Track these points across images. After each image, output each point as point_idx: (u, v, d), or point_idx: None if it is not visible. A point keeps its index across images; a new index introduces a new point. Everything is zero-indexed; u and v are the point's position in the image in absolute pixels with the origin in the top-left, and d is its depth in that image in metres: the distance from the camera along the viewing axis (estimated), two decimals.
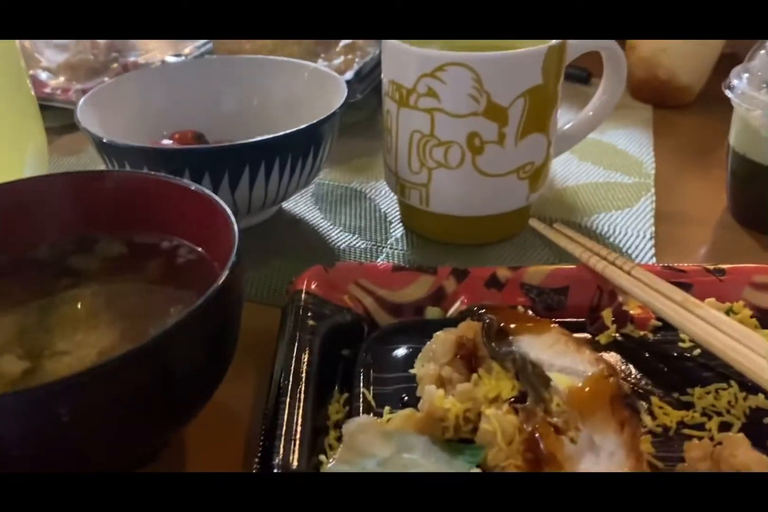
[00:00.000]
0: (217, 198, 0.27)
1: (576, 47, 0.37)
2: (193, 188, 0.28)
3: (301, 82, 0.44)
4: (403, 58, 0.35)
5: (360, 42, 0.59)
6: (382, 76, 0.37)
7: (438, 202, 0.37)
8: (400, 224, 0.42)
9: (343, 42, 0.59)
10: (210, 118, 0.45)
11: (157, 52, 0.64)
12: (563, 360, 0.23)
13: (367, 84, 0.55)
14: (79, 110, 0.38)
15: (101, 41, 0.60)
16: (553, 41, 0.34)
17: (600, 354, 0.23)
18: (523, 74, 0.34)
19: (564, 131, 0.41)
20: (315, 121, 0.36)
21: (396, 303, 0.32)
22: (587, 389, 0.21)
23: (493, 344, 0.24)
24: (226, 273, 0.22)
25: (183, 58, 0.58)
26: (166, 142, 0.41)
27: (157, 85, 0.44)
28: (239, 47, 0.57)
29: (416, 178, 0.37)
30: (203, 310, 0.21)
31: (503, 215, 0.38)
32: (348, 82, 0.45)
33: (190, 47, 0.60)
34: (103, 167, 0.49)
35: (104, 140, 0.35)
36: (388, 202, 0.44)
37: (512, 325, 0.24)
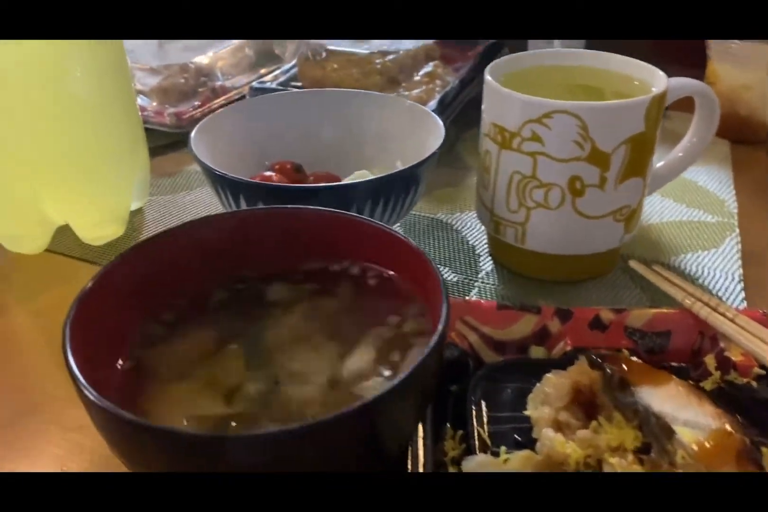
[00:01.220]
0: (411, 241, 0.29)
1: (672, 93, 0.38)
2: (386, 230, 0.30)
3: (398, 116, 0.45)
4: (508, 103, 0.36)
5: (439, 71, 0.61)
6: (483, 116, 0.39)
7: (534, 240, 0.38)
8: (489, 257, 0.43)
9: (423, 70, 0.61)
10: (307, 148, 0.47)
11: (242, 76, 0.67)
12: (686, 413, 0.24)
13: (448, 114, 0.56)
14: (192, 143, 0.40)
15: (191, 66, 0.63)
16: (655, 90, 0.36)
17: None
18: (626, 122, 0.35)
19: (654, 172, 0.42)
20: (417, 162, 0.38)
21: (500, 341, 0.33)
22: (713, 444, 0.22)
23: (615, 394, 0.25)
24: (440, 327, 0.24)
25: (268, 84, 0.61)
26: (268, 174, 0.43)
27: (258, 116, 0.46)
28: (323, 73, 0.59)
29: (513, 217, 0.38)
30: (426, 363, 0.23)
31: (596, 254, 0.39)
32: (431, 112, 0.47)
33: (272, 75, 0.62)
34: (201, 189, 0.51)
35: (226, 176, 0.37)
36: (474, 233, 0.45)
37: (633, 376, 0.25)
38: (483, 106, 0.39)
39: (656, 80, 0.37)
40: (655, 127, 0.36)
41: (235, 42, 0.68)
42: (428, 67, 0.61)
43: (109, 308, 0.28)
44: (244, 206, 0.38)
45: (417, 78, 0.60)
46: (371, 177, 0.41)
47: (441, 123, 0.42)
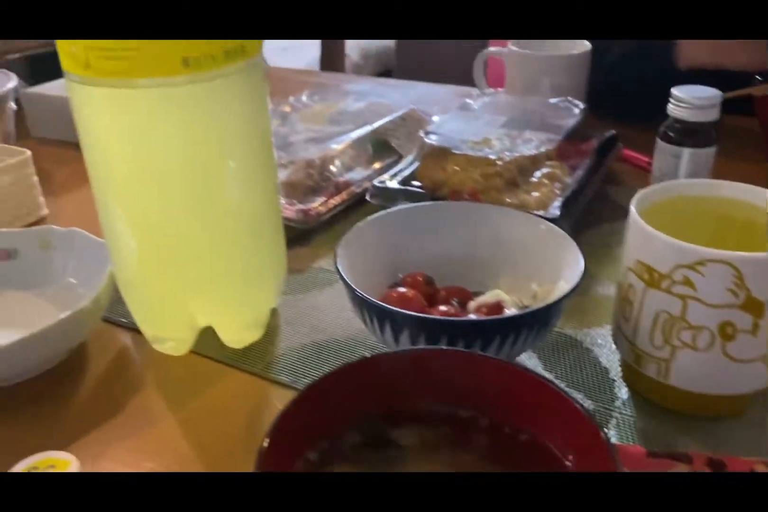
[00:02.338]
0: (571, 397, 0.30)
1: None
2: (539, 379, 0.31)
3: (533, 235, 0.46)
4: (659, 245, 0.37)
5: (557, 172, 0.62)
6: (628, 249, 0.39)
7: (679, 378, 0.38)
8: (622, 383, 0.43)
9: (542, 171, 0.62)
10: (438, 260, 0.48)
11: (360, 168, 0.69)
12: None
13: (569, 219, 0.57)
14: (339, 263, 0.43)
15: (316, 160, 0.66)
16: None
17: None
18: None
19: None
20: (564, 294, 0.39)
21: None
22: None
23: None
24: None
25: (388, 183, 0.63)
26: (403, 290, 0.44)
27: (393, 229, 0.48)
28: (444, 175, 0.61)
29: (657, 352, 0.38)
30: None
31: (742, 394, 0.38)
32: (553, 220, 0.48)
33: (389, 173, 0.64)
34: (330, 288, 0.53)
35: (379, 306, 0.39)
36: (606, 353, 0.45)
37: None
38: (628, 239, 0.39)
39: None
40: None
41: (354, 135, 0.71)
42: (546, 168, 0.62)
43: (284, 445, 0.29)
44: (388, 330, 0.40)
45: (535, 179, 0.61)
46: (521, 309, 0.42)
47: (579, 250, 0.43)
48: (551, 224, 0.46)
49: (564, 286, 0.41)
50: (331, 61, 1.49)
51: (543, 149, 0.60)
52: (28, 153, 0.64)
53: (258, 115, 0.43)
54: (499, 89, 0.75)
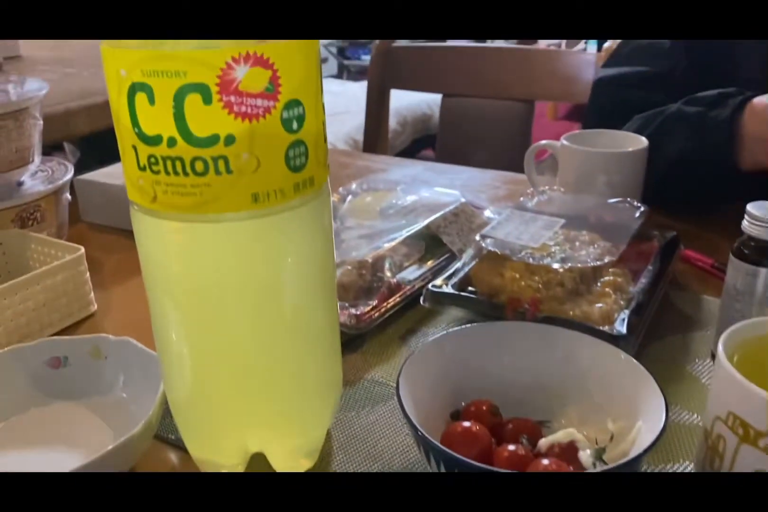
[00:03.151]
0: None
1: None
2: None
3: (607, 364, 0.44)
4: (757, 402, 0.34)
5: (621, 280, 0.60)
6: (716, 396, 0.37)
7: None
8: None
9: (604, 278, 0.60)
10: (502, 385, 0.46)
11: (413, 267, 0.68)
12: None
13: (633, 338, 0.54)
14: (401, 395, 0.40)
15: (368, 261, 0.65)
16: None
17: None
18: None
19: None
20: (647, 447, 0.36)
21: None
22: None
23: None
24: None
25: (443, 287, 0.61)
26: (467, 425, 0.42)
27: (455, 351, 0.46)
28: (501, 282, 0.59)
29: None
30: None
31: None
32: (620, 337, 0.45)
33: (443, 278, 0.63)
34: (383, 405, 0.47)
35: (449, 457, 0.36)
36: None
37: None
38: (717, 385, 0.37)
39: None
40: None
41: (405, 232, 0.70)
42: (608, 276, 0.60)
43: None
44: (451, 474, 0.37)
45: (598, 287, 0.59)
46: (596, 451, 0.39)
47: (660, 392, 0.40)
48: (629, 357, 0.43)
49: (643, 429, 0.39)
50: (375, 131, 1.50)
51: (606, 260, 0.58)
52: (82, 250, 0.64)
53: (323, 242, 0.42)
54: (555, 188, 0.74)
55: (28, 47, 1.44)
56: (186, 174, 0.35)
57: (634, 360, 0.42)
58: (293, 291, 0.41)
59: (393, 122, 2.70)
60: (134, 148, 0.35)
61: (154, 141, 0.34)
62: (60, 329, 0.64)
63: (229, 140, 0.34)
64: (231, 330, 0.40)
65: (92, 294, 0.67)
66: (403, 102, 2.99)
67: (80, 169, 0.85)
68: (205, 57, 0.33)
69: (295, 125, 0.36)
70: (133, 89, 0.34)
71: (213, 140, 0.34)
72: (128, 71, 0.34)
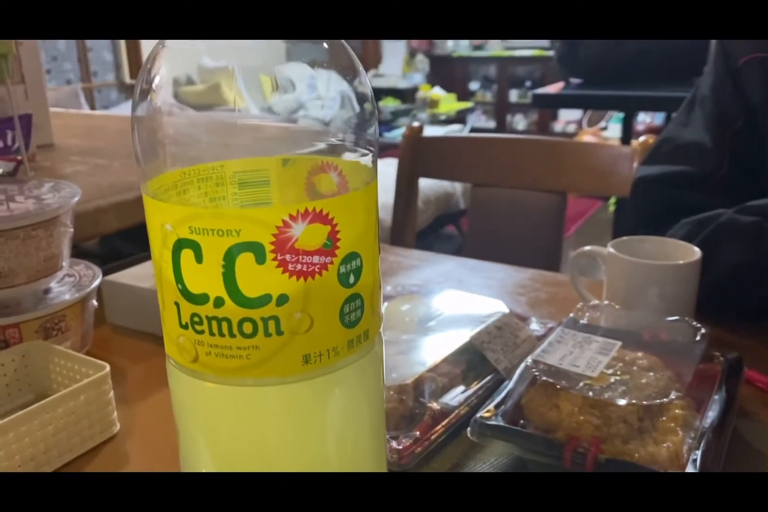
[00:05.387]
0: None
1: None
2: None
3: None
4: None
5: (686, 414, 0.55)
6: None
7: None
8: None
9: (668, 413, 0.55)
10: None
11: (457, 388, 0.64)
12: None
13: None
14: None
15: (410, 384, 0.61)
16: None
17: None
18: None
19: None
20: None
21: None
22: None
23: None
24: None
25: (492, 419, 0.57)
26: None
27: None
28: (558, 416, 0.55)
29: None
30: None
31: None
32: None
33: (490, 406, 0.58)
34: None
35: None
36: None
37: None
38: None
39: None
40: None
41: (447, 350, 0.66)
42: (673, 409, 0.55)
43: None
44: None
45: (663, 419, 0.54)
46: None
47: None
48: None
49: None
50: (403, 220, 1.49)
51: (673, 396, 0.53)
52: (107, 369, 0.61)
53: (376, 392, 0.38)
54: (606, 303, 0.70)
55: (60, 134, 1.46)
56: (233, 335, 0.32)
57: None
58: (339, 445, 0.37)
59: (418, 201, 2.71)
60: (176, 304, 0.32)
61: (199, 300, 0.31)
62: (79, 454, 0.59)
63: (282, 300, 0.31)
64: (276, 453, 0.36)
65: (115, 413, 0.63)
66: (428, 181, 3.02)
67: (107, 260, 0.82)
68: (260, 215, 0.30)
69: (352, 279, 0.33)
70: (179, 245, 0.31)
71: (264, 301, 0.31)
72: (174, 227, 0.31)
